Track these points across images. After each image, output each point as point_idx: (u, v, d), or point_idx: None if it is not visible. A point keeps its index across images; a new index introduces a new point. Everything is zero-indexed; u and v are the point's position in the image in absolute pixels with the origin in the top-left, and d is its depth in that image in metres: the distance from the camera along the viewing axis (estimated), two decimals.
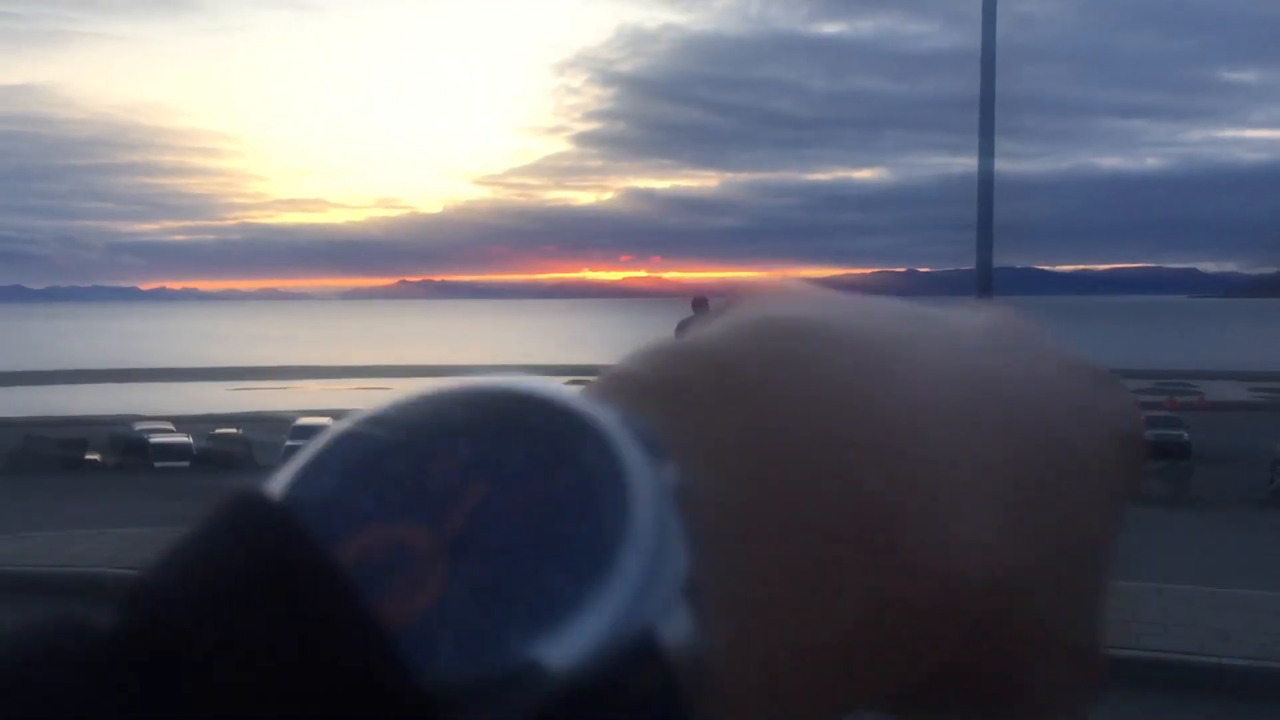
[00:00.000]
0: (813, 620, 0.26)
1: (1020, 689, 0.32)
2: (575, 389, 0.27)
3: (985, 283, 19.52)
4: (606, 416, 0.26)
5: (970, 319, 0.37)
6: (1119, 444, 0.34)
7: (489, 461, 0.25)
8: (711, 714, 0.24)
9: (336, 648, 0.22)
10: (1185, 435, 33.23)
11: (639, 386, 0.29)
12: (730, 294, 0.33)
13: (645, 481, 0.25)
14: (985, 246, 19.47)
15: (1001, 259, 20.78)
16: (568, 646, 0.22)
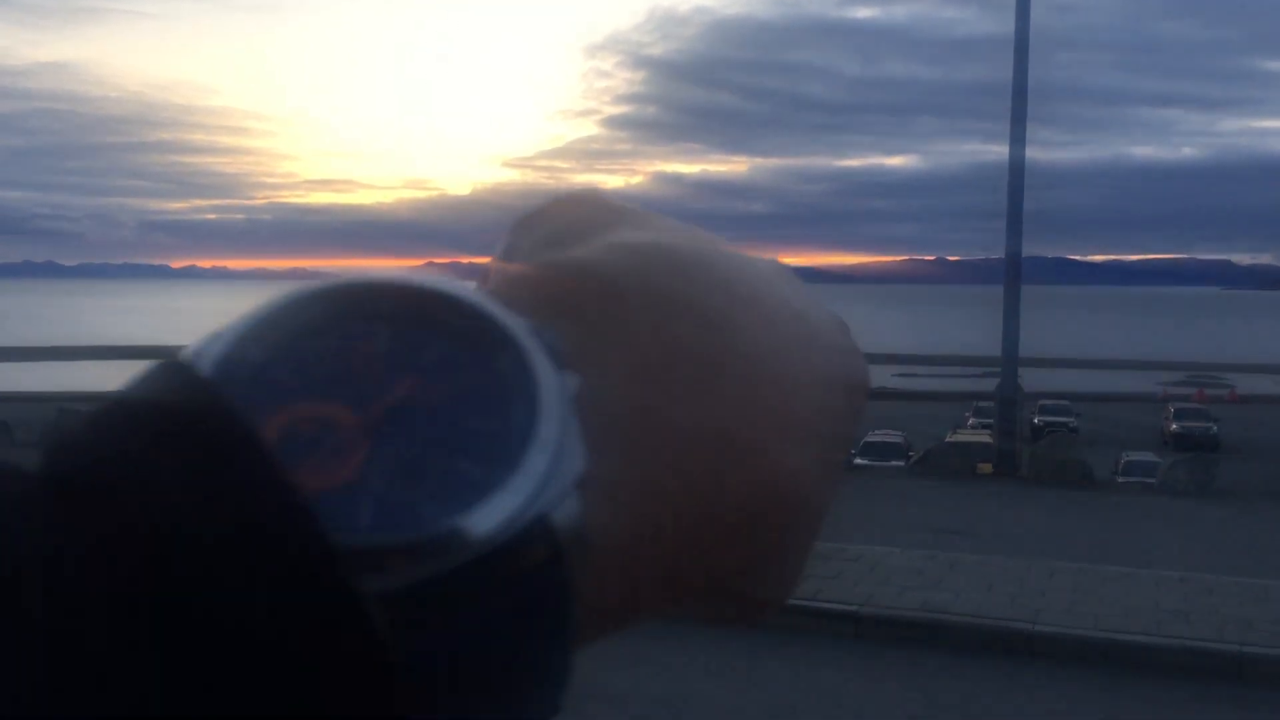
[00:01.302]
0: (671, 511, 0.32)
1: (770, 585, 0.36)
2: (484, 294, 0.30)
3: (1015, 271, 19.46)
4: (519, 326, 0.29)
5: (769, 264, 0.40)
6: (861, 391, 0.39)
7: (410, 353, 0.29)
8: (586, 583, 0.28)
9: (252, 506, 0.24)
10: (1214, 428, 33.01)
11: (543, 297, 0.34)
12: (583, 200, 0.37)
13: (551, 388, 0.29)
14: (1015, 235, 19.41)
15: (1031, 248, 20.75)
16: (481, 521, 0.26)
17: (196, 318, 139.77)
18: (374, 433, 0.27)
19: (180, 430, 0.25)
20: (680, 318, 0.34)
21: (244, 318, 0.29)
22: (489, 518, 0.26)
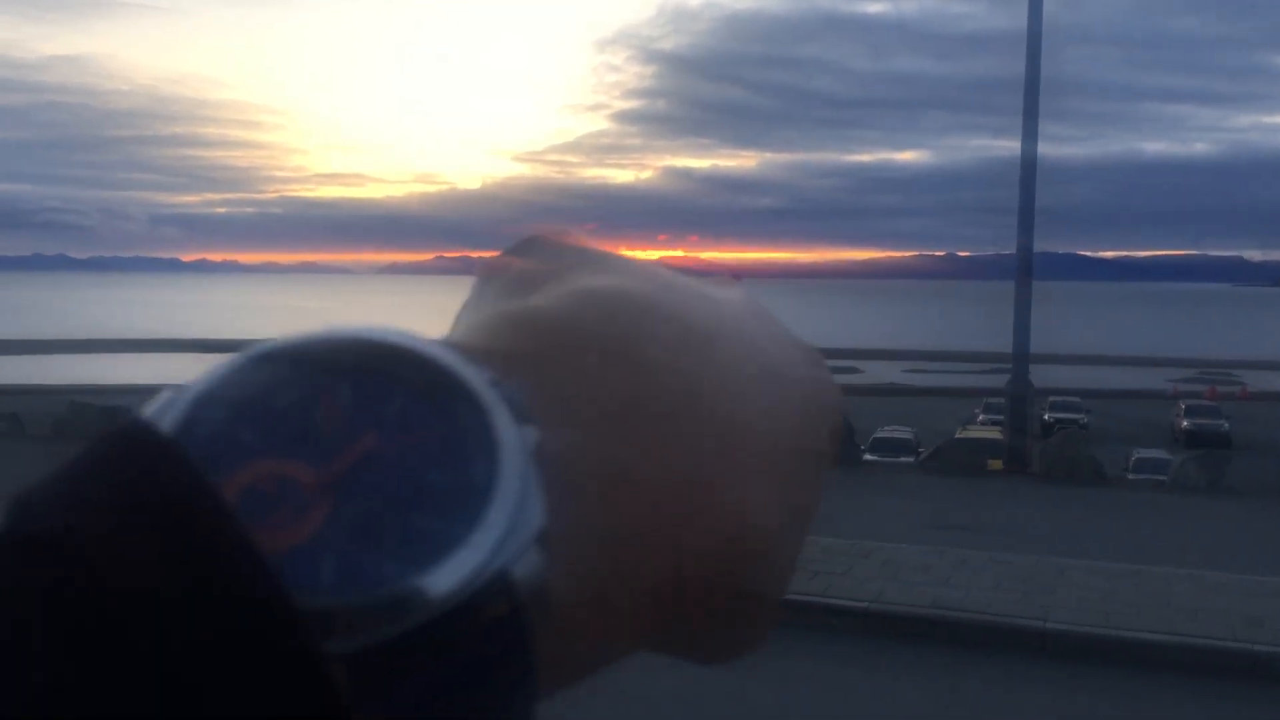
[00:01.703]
0: (633, 563, 0.32)
1: (742, 626, 0.36)
2: (445, 347, 0.31)
3: (1026, 267, 19.41)
4: (479, 378, 0.30)
5: (734, 297, 0.41)
6: (834, 421, 0.40)
7: (371, 407, 0.29)
8: (548, 636, 0.28)
9: (212, 566, 0.23)
10: (1226, 425, 32.88)
11: (503, 351, 0.34)
12: (553, 246, 0.38)
13: (511, 441, 0.29)
14: (1026, 231, 19.35)
15: (1043, 244, 20.73)
16: (442, 580, 0.26)
17: (206, 311, 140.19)
18: (335, 489, 0.27)
19: (140, 490, 0.24)
20: (639, 366, 0.34)
21: (206, 375, 0.29)
22: (449, 576, 0.26)
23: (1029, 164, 19.16)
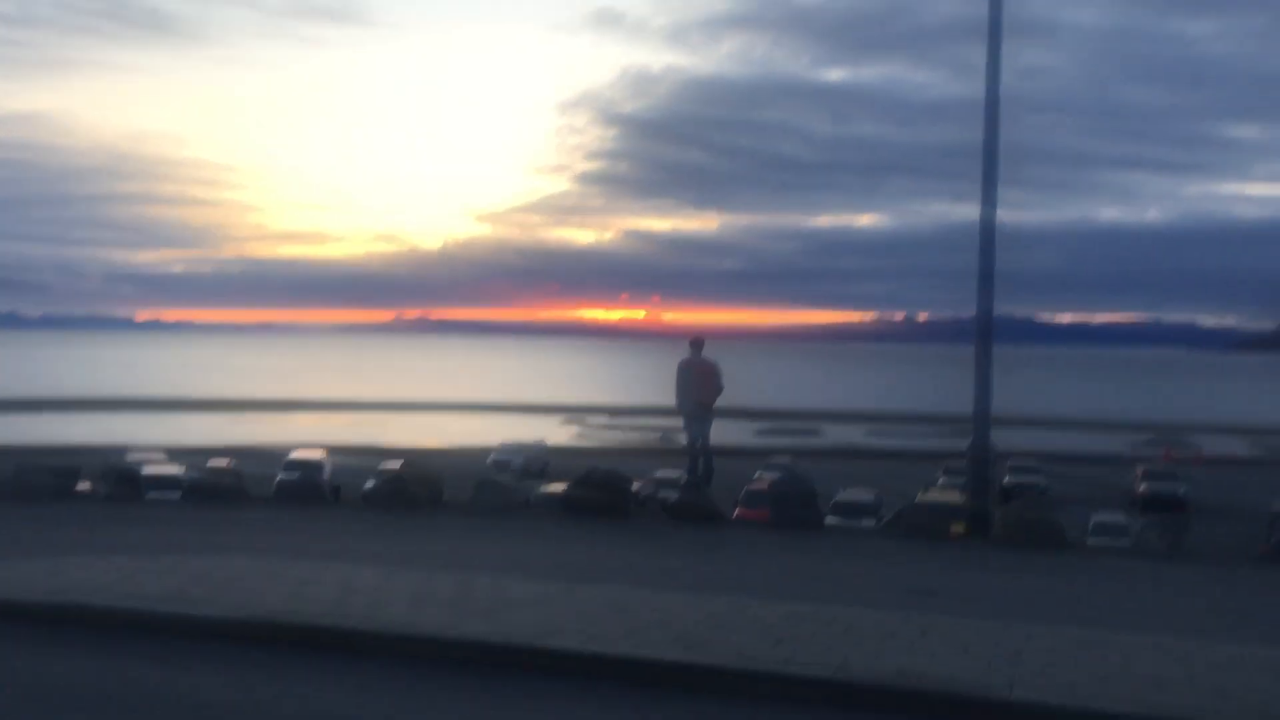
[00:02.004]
0: None
1: None
2: None
3: (985, 331, 19.51)
4: None
5: None
6: None
7: None
8: None
9: None
10: (1183, 489, 33.12)
11: None
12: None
13: None
14: (986, 295, 19.47)
15: (1001, 308, 20.79)
16: None
17: (159, 370, 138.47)
18: None
19: None
20: None
21: None
22: None
23: (988, 229, 19.32)
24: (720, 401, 19.01)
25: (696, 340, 18.62)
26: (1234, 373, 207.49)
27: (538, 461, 40.47)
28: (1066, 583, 12.28)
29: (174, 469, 25.33)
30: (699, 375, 18.51)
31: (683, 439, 20.77)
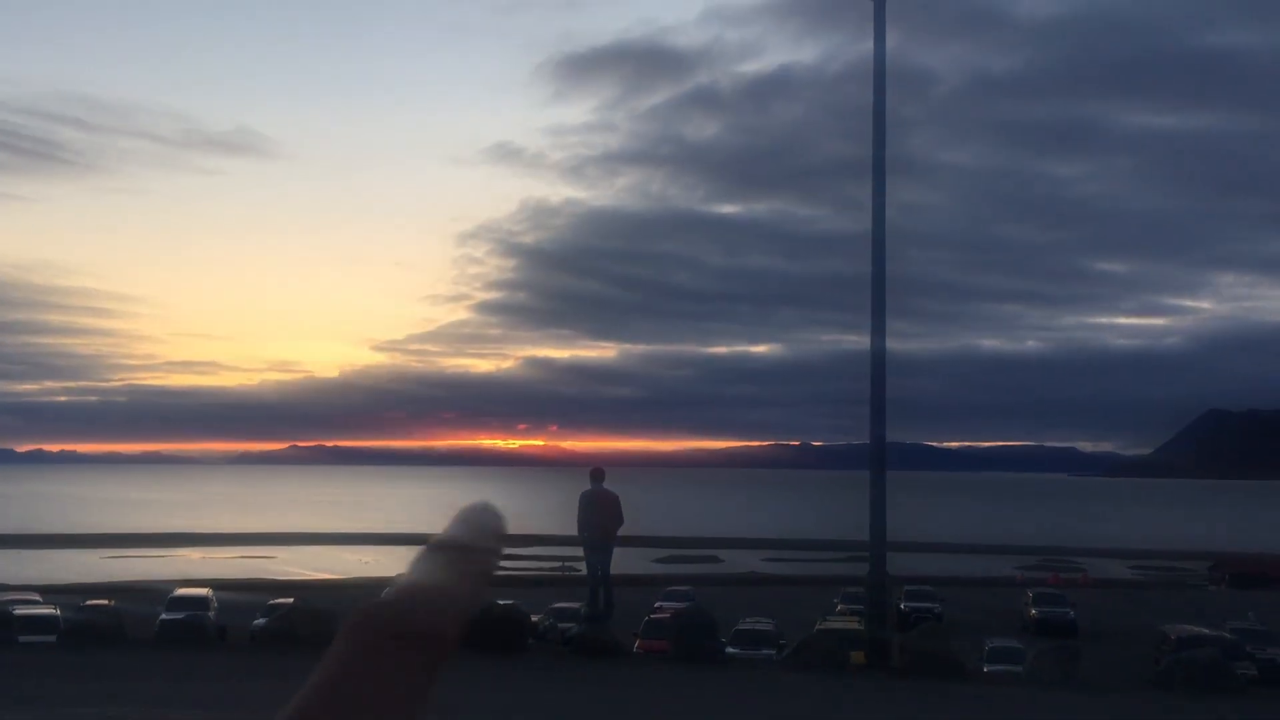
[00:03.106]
0: None
1: None
2: None
3: (879, 457, 19.91)
4: None
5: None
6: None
7: None
8: None
9: None
10: (1072, 613, 33.63)
11: None
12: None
13: None
14: (879, 422, 19.94)
15: (893, 434, 21.28)
16: None
17: (39, 504, 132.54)
18: None
19: None
20: None
21: None
22: None
23: (878, 358, 19.89)
24: (620, 531, 18.94)
25: (597, 471, 18.60)
26: (1114, 496, 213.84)
27: None
28: (969, 715, 12.32)
29: (49, 610, 24.11)
30: (601, 506, 18.44)
31: (583, 569, 20.56)
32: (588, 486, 18.75)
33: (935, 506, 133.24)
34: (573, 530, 19.13)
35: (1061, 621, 31.94)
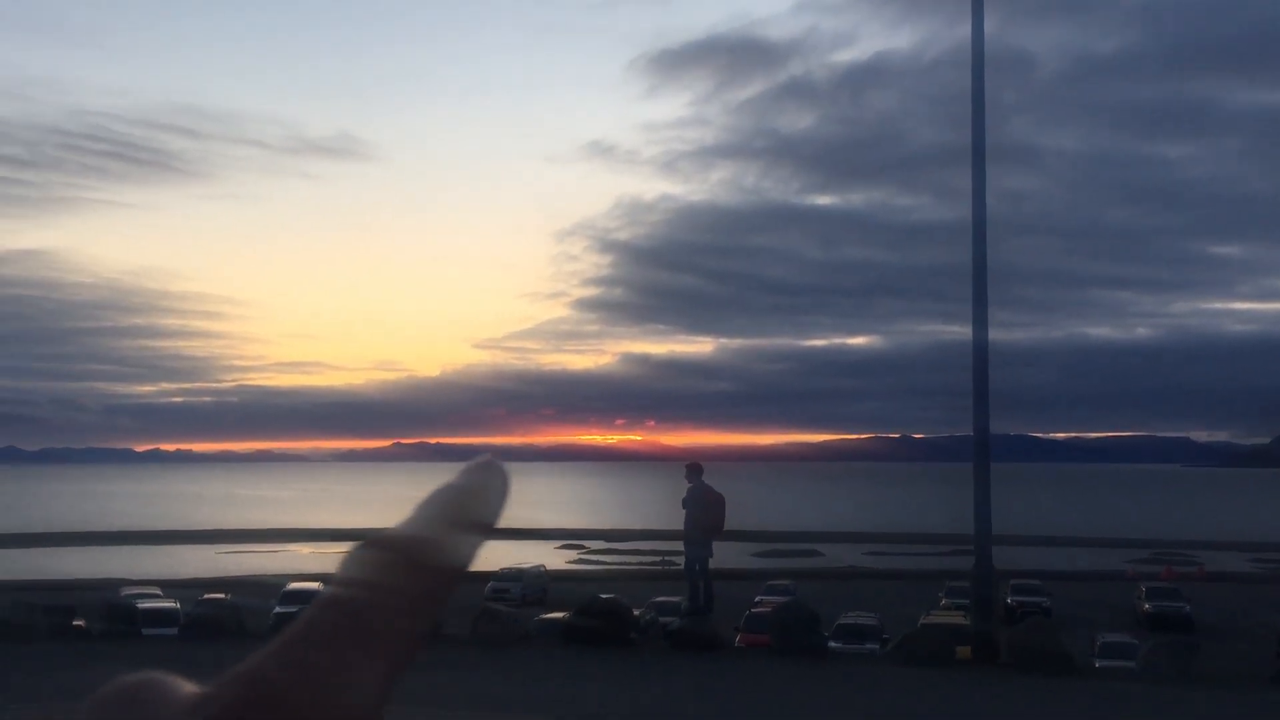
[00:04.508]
0: None
1: None
2: None
3: (983, 450, 19.60)
4: None
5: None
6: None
7: None
8: None
9: None
10: (1187, 608, 32.64)
11: None
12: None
13: None
14: (982, 414, 19.65)
15: (996, 426, 20.89)
16: None
17: (157, 502, 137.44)
18: None
19: None
20: None
21: None
22: None
23: (980, 349, 19.59)
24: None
25: (695, 466, 18.68)
26: (1231, 486, 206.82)
27: (537, 588, 40.02)
28: (1080, 711, 12.09)
29: (170, 604, 25.05)
30: (708, 503, 18.53)
31: (681, 564, 20.67)
32: (685, 482, 18.84)
33: (1042, 499, 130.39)
34: (675, 525, 19.24)
35: (1176, 616, 31.05)
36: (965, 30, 20.51)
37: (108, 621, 20.40)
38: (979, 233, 19.87)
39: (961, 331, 20.46)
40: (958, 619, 23.05)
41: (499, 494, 0.71)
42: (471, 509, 0.70)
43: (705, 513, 18.31)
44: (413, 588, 0.68)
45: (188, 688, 0.66)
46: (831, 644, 21.20)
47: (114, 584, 34.10)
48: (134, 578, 39.98)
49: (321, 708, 0.67)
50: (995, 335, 20.94)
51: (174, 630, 21.13)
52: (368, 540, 0.70)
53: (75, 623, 20.25)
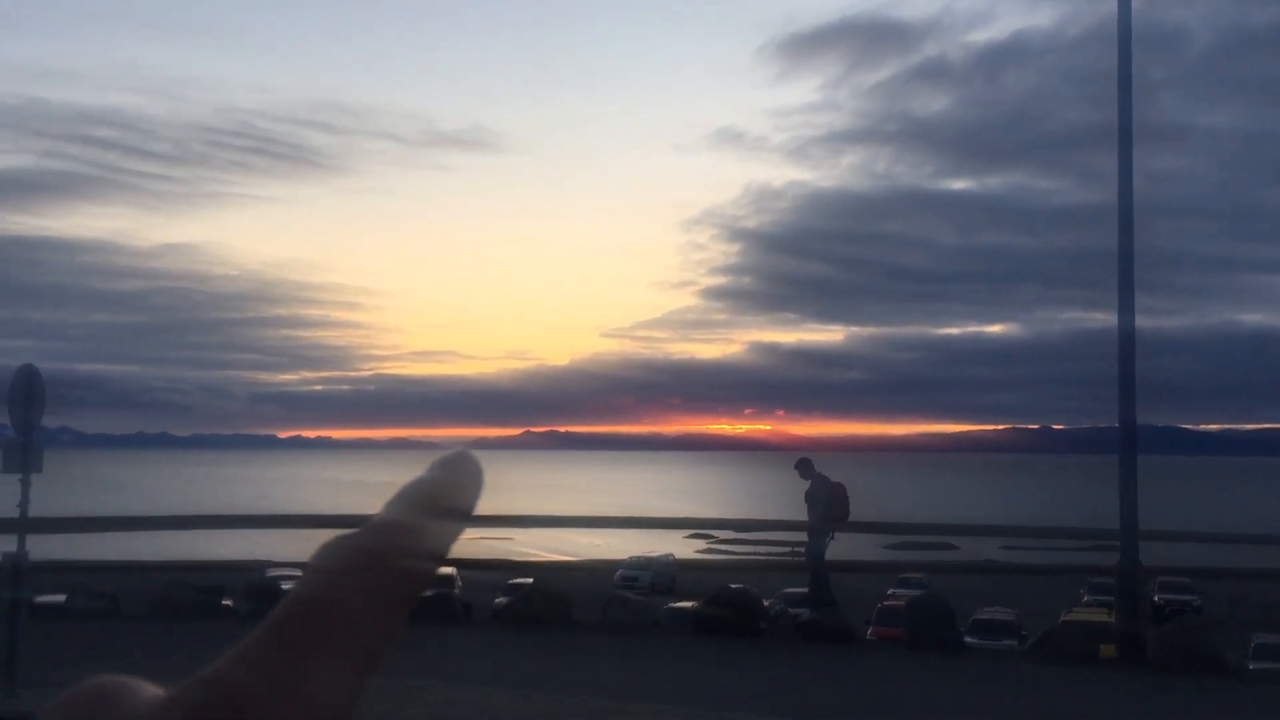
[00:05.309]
0: None
1: None
2: None
3: (1129, 441, 18.82)
4: None
5: None
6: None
7: None
8: None
9: None
10: None
11: None
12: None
13: None
14: (1128, 403, 18.85)
15: (1143, 417, 20.03)
16: None
17: (300, 487, 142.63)
18: None
19: None
20: None
21: None
22: None
23: (1126, 336, 18.81)
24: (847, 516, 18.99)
25: (806, 461, 18.82)
26: None
27: (665, 577, 40.15)
28: (1232, 715, 11.51)
29: None
30: (831, 493, 18.41)
31: (805, 555, 20.60)
32: (808, 473, 18.84)
33: (1192, 493, 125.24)
34: (805, 516, 19.10)
35: None
36: (1110, 5, 19.66)
37: (253, 601, 21.16)
38: (1125, 216, 19.06)
39: (1106, 319, 19.74)
40: (1101, 616, 22.24)
41: (473, 485, 0.70)
42: (445, 500, 0.69)
43: (833, 503, 18.19)
44: (385, 582, 0.65)
45: (153, 691, 0.64)
46: (967, 639, 20.69)
47: (260, 565, 35.41)
48: (278, 559, 41.47)
49: (287, 711, 0.64)
50: (1143, 323, 20.09)
51: None
52: (339, 534, 0.66)
53: (224, 602, 21.07)
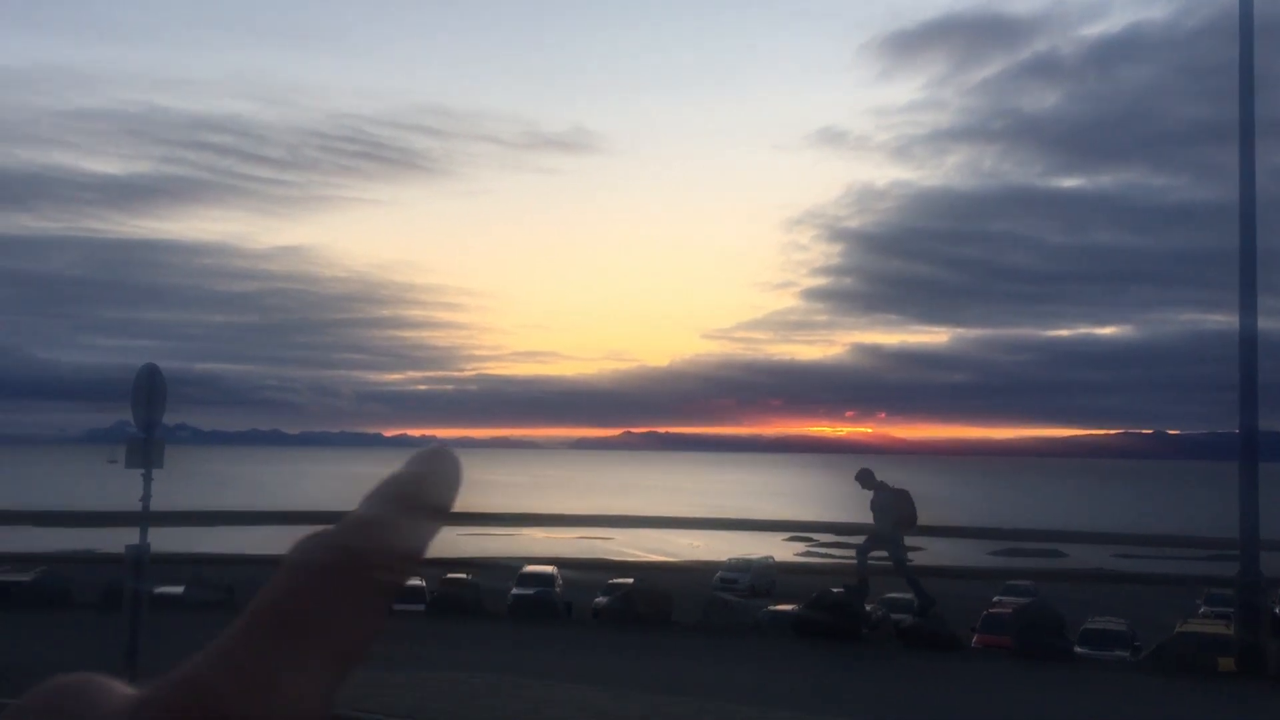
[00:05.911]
0: None
1: None
2: None
3: (1251, 448, 18.12)
4: None
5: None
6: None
7: None
8: None
9: None
10: None
11: None
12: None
13: None
14: (1249, 408, 18.15)
15: (1266, 423, 19.28)
16: None
17: None
18: None
19: None
20: None
21: None
22: None
23: (1249, 339, 18.13)
24: (927, 521, 19.25)
25: (867, 471, 19.03)
26: None
27: (765, 579, 39.92)
28: None
29: (418, 581, 26.32)
30: (897, 502, 18.57)
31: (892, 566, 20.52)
32: (869, 483, 19.00)
33: None
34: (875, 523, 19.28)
35: None
36: None
37: None
38: (1248, 214, 18.38)
39: (1226, 320, 19.06)
40: (1220, 628, 21.48)
41: (451, 481, 0.69)
42: (424, 497, 0.68)
43: (901, 510, 18.35)
44: (362, 580, 0.64)
45: (124, 690, 0.62)
46: (1077, 649, 20.14)
47: None
48: None
49: (262, 712, 0.62)
50: (1266, 324, 19.33)
51: (421, 606, 22.15)
52: (316, 530, 0.66)
53: None
